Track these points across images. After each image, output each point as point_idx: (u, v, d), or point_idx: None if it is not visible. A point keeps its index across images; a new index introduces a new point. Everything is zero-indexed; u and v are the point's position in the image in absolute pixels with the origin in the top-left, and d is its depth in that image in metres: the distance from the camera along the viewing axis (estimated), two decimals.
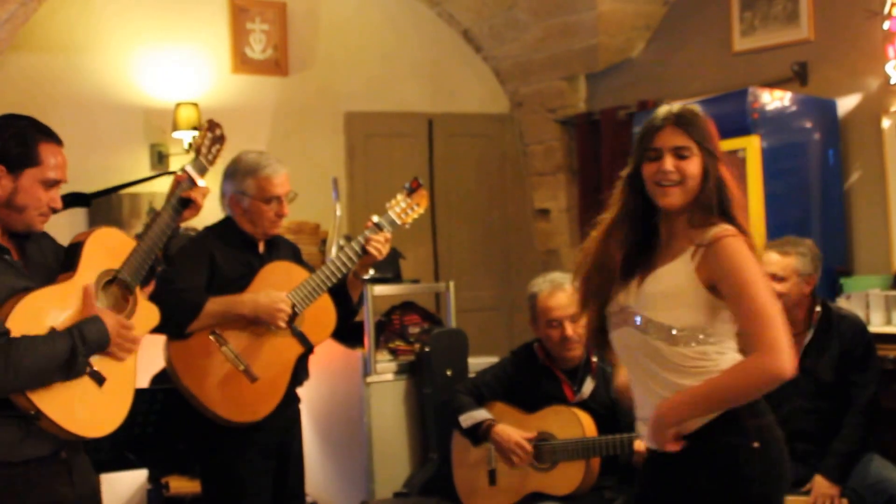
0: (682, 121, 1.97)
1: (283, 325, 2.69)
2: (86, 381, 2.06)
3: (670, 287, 1.95)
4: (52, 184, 2.08)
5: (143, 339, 2.27)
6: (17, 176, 2.03)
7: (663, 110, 2.01)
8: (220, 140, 2.53)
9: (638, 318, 1.96)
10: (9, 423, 1.98)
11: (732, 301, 1.91)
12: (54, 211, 2.14)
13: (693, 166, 1.95)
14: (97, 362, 2.08)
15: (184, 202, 2.36)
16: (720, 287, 1.92)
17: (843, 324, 3.22)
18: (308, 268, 2.92)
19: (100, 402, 2.08)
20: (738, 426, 1.94)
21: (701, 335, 1.94)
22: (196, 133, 3.79)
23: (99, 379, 2.08)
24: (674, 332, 1.93)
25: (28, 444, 2.00)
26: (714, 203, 1.94)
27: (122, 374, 2.13)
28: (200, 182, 2.41)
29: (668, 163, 1.94)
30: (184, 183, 2.37)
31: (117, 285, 2.17)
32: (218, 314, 2.66)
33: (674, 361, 1.94)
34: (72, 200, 2.46)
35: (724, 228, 1.93)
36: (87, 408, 2.05)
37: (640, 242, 2.03)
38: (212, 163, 2.50)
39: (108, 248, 2.18)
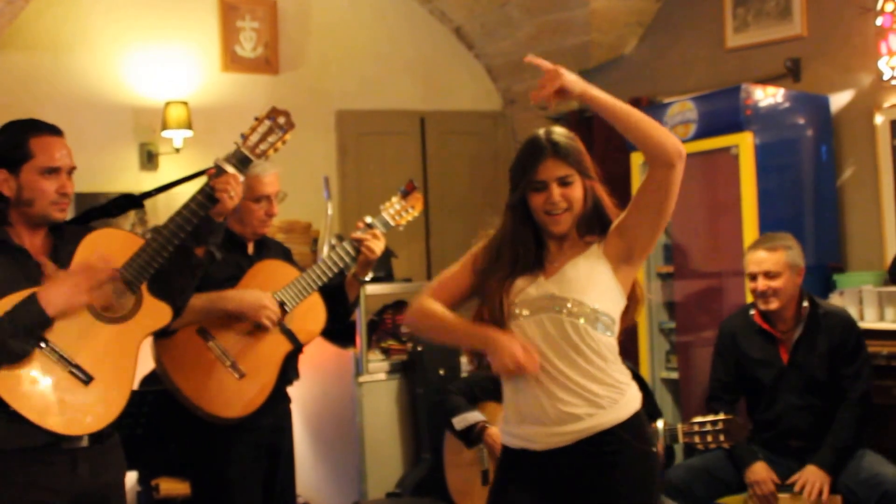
0: (561, 151, 2.07)
1: (268, 322, 2.66)
2: (68, 380, 2.06)
3: (588, 271, 2.06)
4: (51, 171, 2.15)
5: None
6: (17, 174, 2.14)
7: (540, 139, 2.08)
8: (281, 128, 2.28)
9: (568, 303, 2.03)
10: None
11: (639, 196, 2.05)
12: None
13: (577, 191, 2.09)
14: (86, 362, 2.08)
15: (210, 195, 2.25)
16: (632, 214, 2.05)
17: (831, 319, 3.20)
18: (299, 268, 2.90)
19: (84, 400, 2.08)
20: (643, 432, 2.05)
21: (613, 328, 2.05)
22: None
23: (85, 378, 2.08)
24: (598, 312, 2.03)
25: (16, 434, 2.01)
26: (595, 222, 2.11)
27: (115, 373, 2.13)
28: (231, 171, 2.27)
29: (556, 193, 2.06)
30: (214, 176, 2.27)
31: (123, 283, 2.18)
32: (202, 310, 2.63)
33: (591, 345, 2.02)
34: (124, 203, 2.45)
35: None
36: (66, 406, 2.05)
37: (528, 257, 2.11)
38: (262, 154, 2.29)
39: (106, 249, 2.19)
